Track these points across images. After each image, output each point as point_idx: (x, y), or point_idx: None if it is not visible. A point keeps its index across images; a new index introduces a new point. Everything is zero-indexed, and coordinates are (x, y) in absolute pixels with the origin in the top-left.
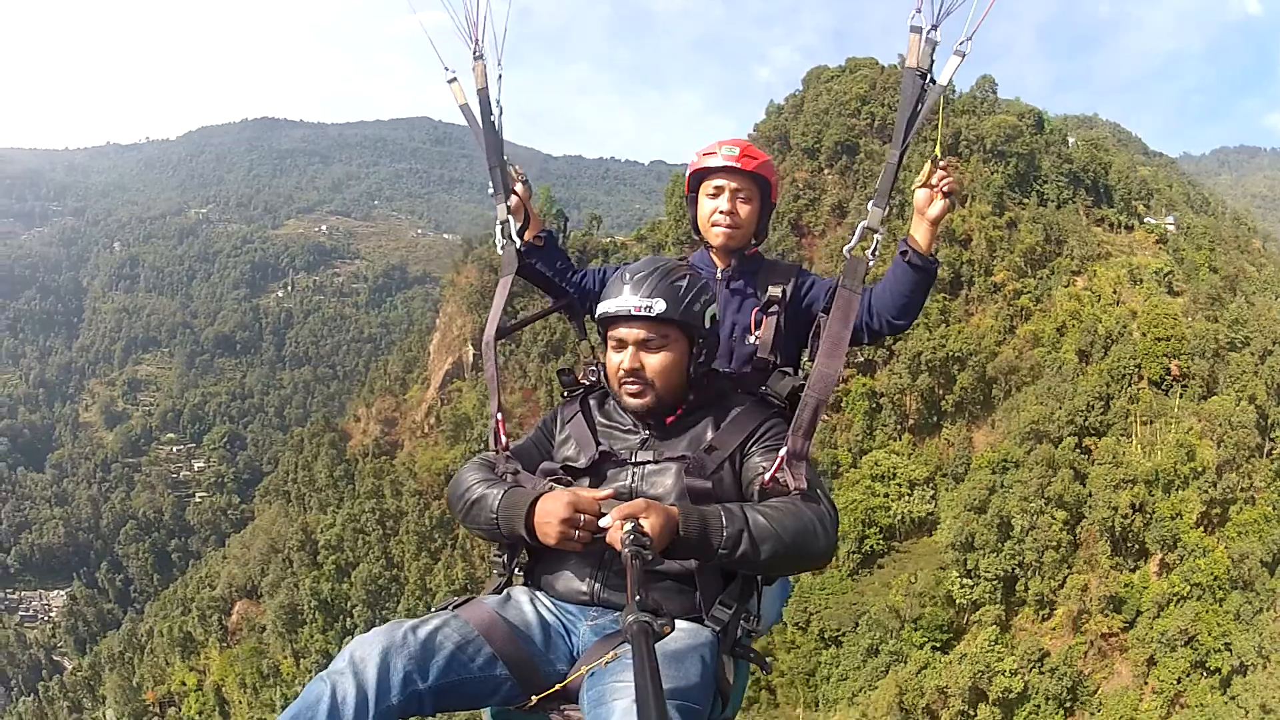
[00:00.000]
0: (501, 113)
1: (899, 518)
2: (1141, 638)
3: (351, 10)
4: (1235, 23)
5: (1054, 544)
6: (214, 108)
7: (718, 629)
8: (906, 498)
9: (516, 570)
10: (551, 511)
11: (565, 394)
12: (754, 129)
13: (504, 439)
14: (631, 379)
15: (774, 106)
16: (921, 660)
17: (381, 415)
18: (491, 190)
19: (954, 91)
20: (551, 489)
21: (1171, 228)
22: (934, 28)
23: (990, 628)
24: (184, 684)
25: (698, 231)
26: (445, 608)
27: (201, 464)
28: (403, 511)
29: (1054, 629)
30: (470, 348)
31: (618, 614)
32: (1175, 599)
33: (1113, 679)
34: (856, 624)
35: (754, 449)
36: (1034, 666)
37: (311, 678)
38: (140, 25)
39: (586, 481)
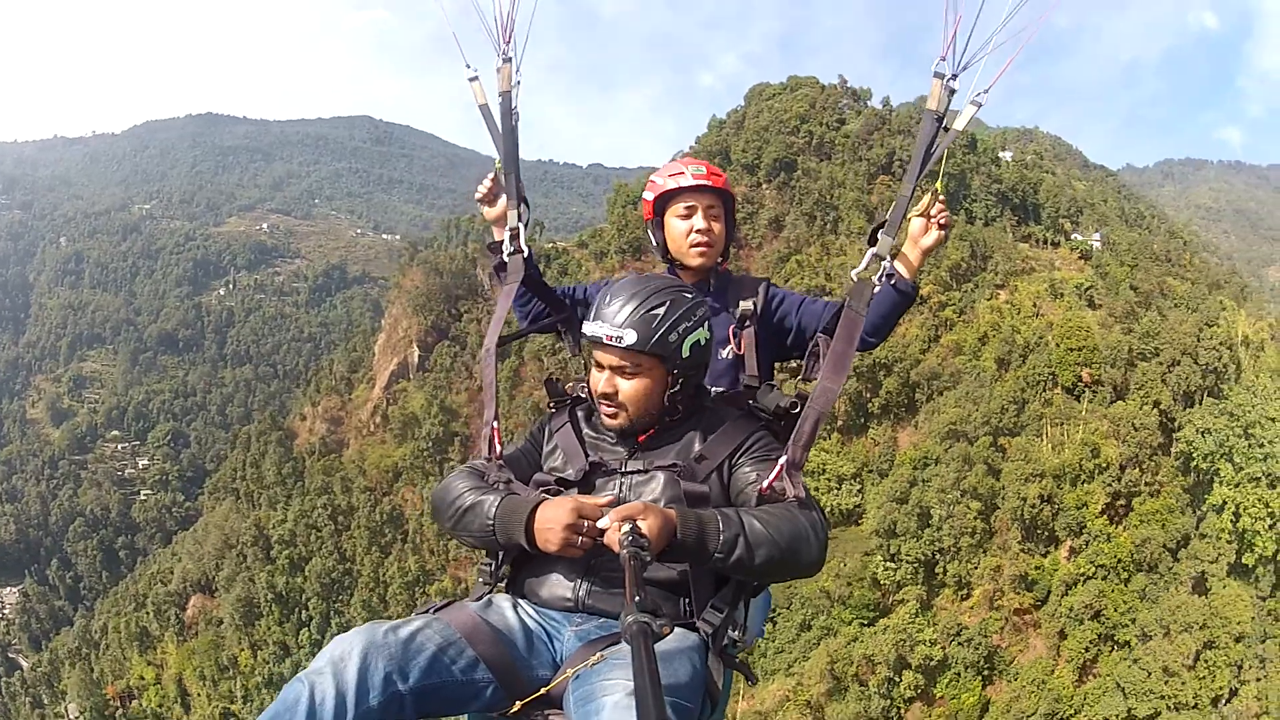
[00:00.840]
0: (519, 119)
1: (828, 509)
2: (1052, 613)
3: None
4: (1193, 34)
5: (969, 530)
6: (159, 102)
7: (708, 632)
8: (835, 491)
9: (501, 579)
10: (554, 518)
11: (552, 405)
12: (696, 142)
13: (499, 448)
14: (605, 402)
15: (715, 121)
16: (850, 634)
17: (328, 414)
18: (479, 195)
19: (890, 110)
20: (547, 498)
21: (1097, 244)
22: (954, 77)
23: (912, 604)
24: (142, 678)
25: (666, 255)
26: (426, 610)
27: (146, 461)
28: (353, 507)
29: (972, 607)
30: (416, 349)
31: (603, 620)
32: (1082, 579)
33: (1028, 651)
34: (790, 603)
35: (742, 460)
36: (953, 639)
37: (271, 669)
38: (88, 16)
39: (576, 492)
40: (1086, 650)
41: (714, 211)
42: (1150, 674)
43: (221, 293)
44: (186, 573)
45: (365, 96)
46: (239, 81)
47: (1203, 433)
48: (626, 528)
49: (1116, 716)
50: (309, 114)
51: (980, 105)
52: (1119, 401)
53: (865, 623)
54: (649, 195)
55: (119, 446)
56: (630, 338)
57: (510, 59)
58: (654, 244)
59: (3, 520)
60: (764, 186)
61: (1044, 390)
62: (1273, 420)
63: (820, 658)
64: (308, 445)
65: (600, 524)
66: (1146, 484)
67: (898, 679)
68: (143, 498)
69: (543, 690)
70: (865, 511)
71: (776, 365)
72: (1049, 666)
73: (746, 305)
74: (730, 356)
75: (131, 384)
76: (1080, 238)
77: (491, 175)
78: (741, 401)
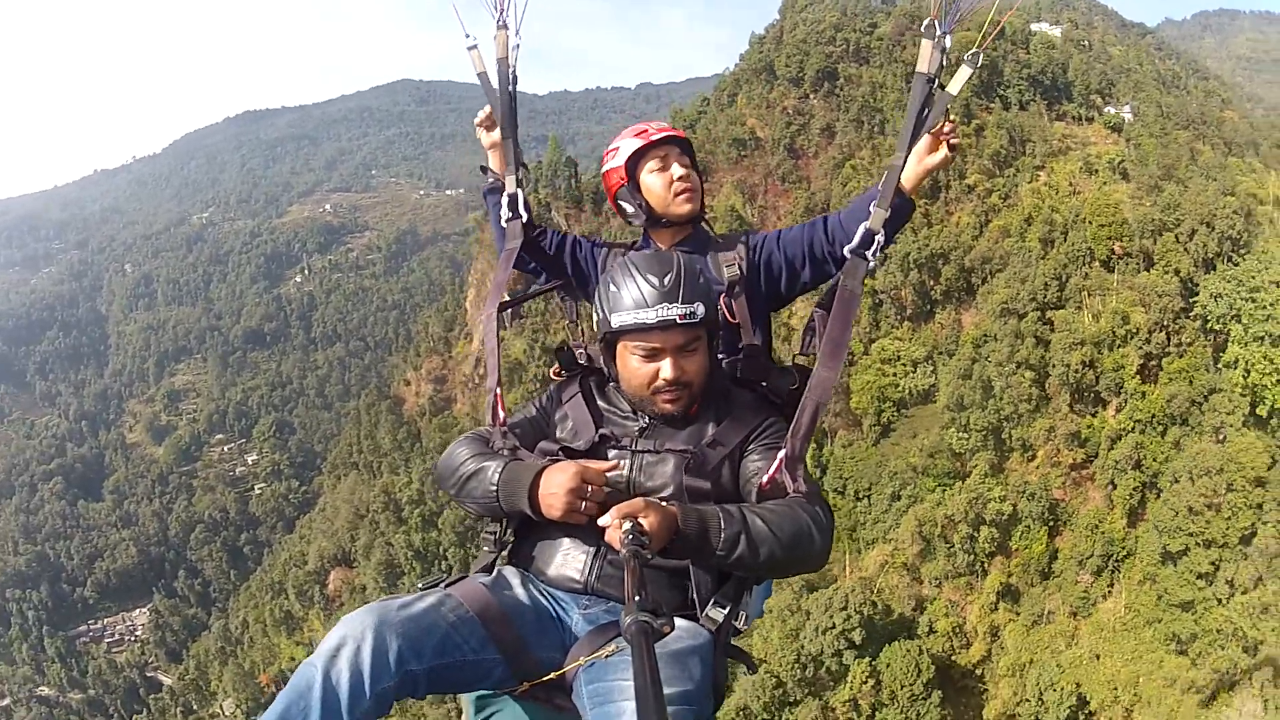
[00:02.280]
0: (517, 83)
1: (906, 392)
2: (1102, 466)
3: None
4: None
5: (1026, 398)
6: (193, 112)
7: (713, 629)
8: (911, 375)
9: (505, 549)
10: (558, 483)
11: (563, 373)
12: (739, 59)
13: (502, 414)
14: (676, 387)
15: (755, 38)
16: (934, 500)
17: (431, 375)
18: (478, 120)
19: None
20: (552, 464)
21: (1129, 116)
22: (946, 34)
23: (983, 467)
24: (293, 659)
25: (648, 217)
26: (436, 584)
27: (255, 456)
28: None
29: (1037, 467)
30: (507, 297)
31: (610, 605)
32: (1124, 433)
33: (1086, 502)
34: (879, 478)
35: (753, 447)
36: (1020, 495)
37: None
38: (105, 46)
39: None
40: (1131, 496)
41: (685, 160)
42: (1177, 513)
43: (298, 279)
44: (323, 550)
45: (400, 61)
46: (270, 73)
47: (1215, 297)
48: (628, 525)
49: (1155, 551)
50: (348, 89)
51: (976, 66)
52: (1144, 272)
53: (945, 487)
54: (616, 162)
55: (226, 448)
56: (701, 310)
57: (506, 25)
58: (630, 211)
59: (122, 545)
60: (811, 97)
61: (1083, 265)
62: (1277, 284)
63: (909, 523)
64: (417, 408)
65: (601, 521)
66: (1175, 345)
67: (976, 535)
68: (257, 492)
69: (552, 675)
70: (939, 389)
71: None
72: (1103, 514)
73: (732, 271)
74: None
75: (227, 386)
76: (1113, 110)
77: (487, 110)
78: (748, 373)
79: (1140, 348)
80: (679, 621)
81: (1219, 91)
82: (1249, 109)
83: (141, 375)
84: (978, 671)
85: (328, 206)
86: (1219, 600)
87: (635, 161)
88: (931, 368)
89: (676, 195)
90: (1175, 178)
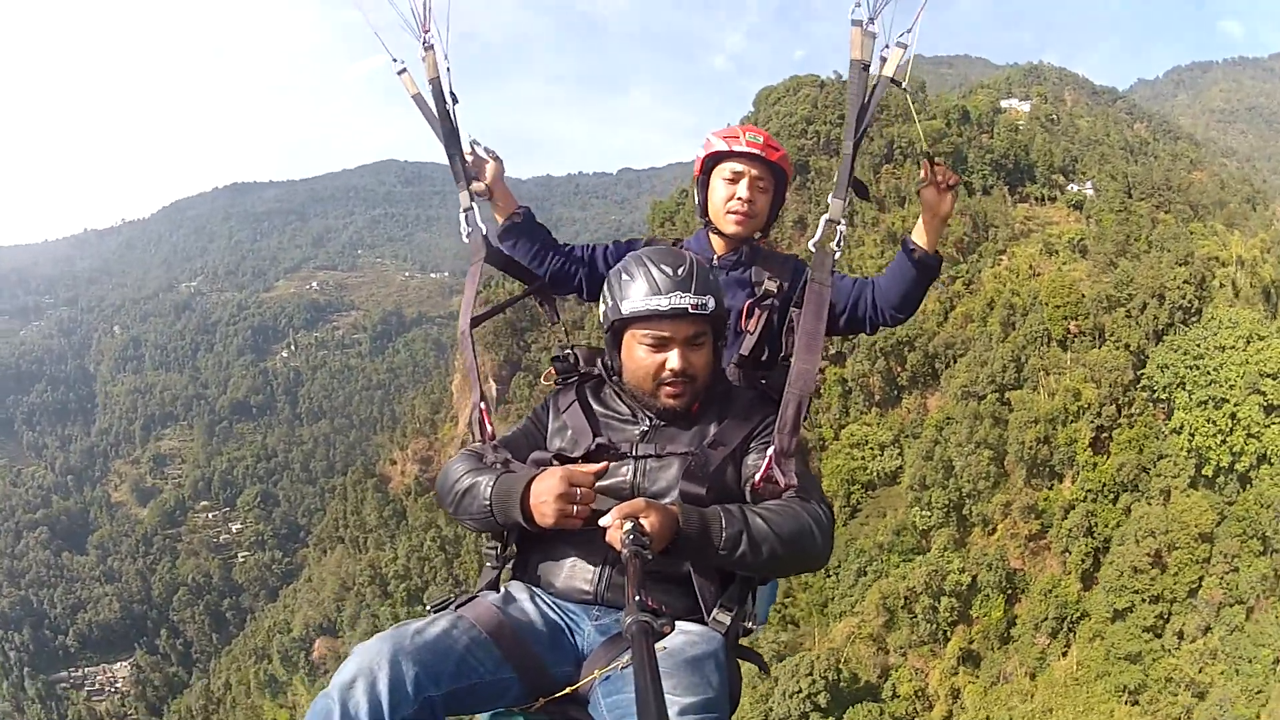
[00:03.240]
0: (456, 102)
1: (874, 474)
2: (1056, 535)
3: (305, 61)
4: None
5: (985, 475)
6: (183, 180)
7: (721, 631)
8: (878, 457)
9: (507, 564)
10: (546, 490)
11: (559, 381)
12: None
13: (489, 428)
14: (681, 379)
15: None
16: (899, 575)
17: (417, 455)
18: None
19: (916, 92)
20: (541, 472)
21: (1090, 192)
22: (872, 20)
23: (943, 542)
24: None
25: (704, 215)
26: (445, 605)
27: (239, 525)
28: (460, 536)
29: (997, 540)
30: (493, 384)
31: (622, 614)
32: (1076, 502)
33: (1043, 570)
34: (847, 554)
35: (754, 445)
36: (980, 566)
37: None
38: (98, 107)
39: None
40: (1084, 562)
41: (762, 184)
42: (1122, 573)
43: (285, 355)
44: (308, 619)
45: (386, 140)
46: (258, 147)
47: (1160, 367)
48: (629, 525)
49: (1104, 609)
50: (334, 167)
51: (906, 46)
52: (1096, 348)
53: (908, 562)
54: (701, 152)
55: (210, 515)
56: (711, 303)
57: (431, 46)
58: (695, 202)
59: (105, 600)
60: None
61: (1041, 345)
62: (1221, 349)
63: (874, 595)
64: (403, 487)
65: (602, 521)
66: (1125, 417)
67: (938, 605)
68: (240, 560)
69: (568, 690)
70: (904, 470)
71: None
72: (1058, 579)
73: (771, 285)
74: (744, 331)
75: (212, 454)
76: (1075, 188)
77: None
78: (748, 376)
79: (1092, 421)
80: (692, 626)
81: (1188, 153)
82: (1221, 165)
83: (128, 437)
84: None
85: (314, 284)
86: (1167, 650)
87: (714, 160)
88: (898, 450)
89: (729, 214)
90: (1130, 252)
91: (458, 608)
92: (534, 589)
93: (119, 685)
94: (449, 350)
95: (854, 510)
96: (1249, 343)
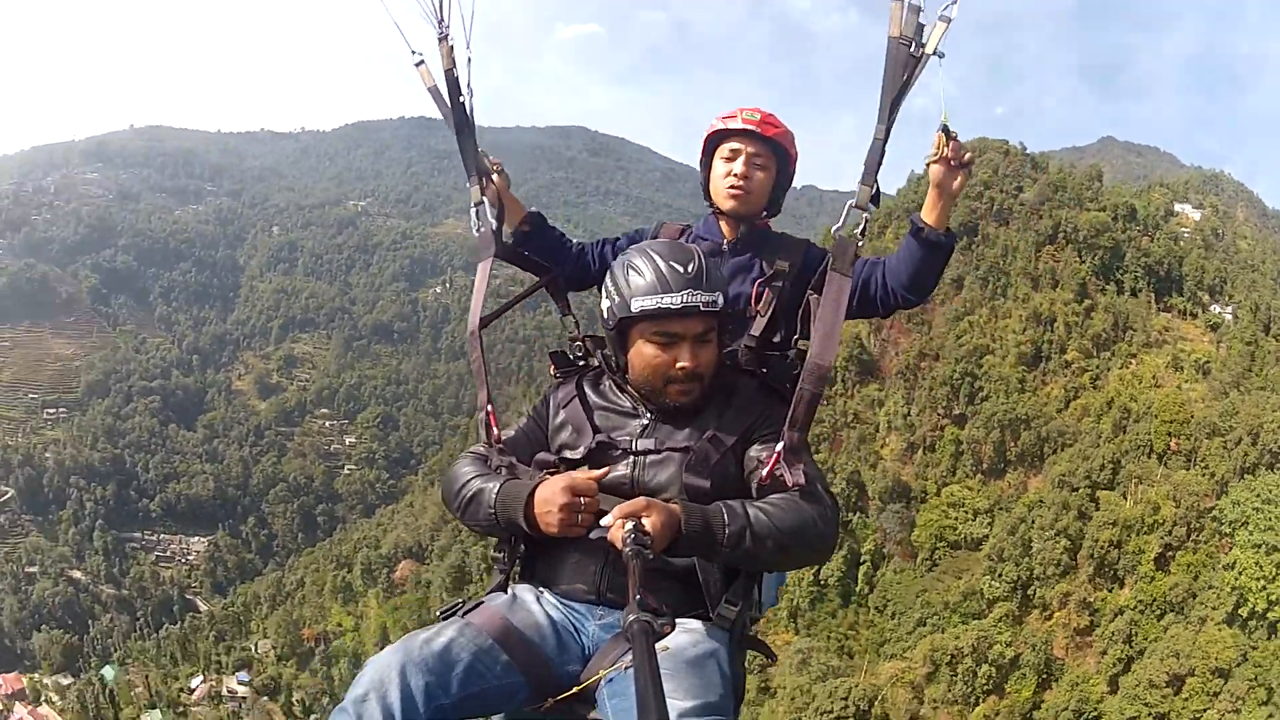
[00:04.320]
0: (472, 95)
1: (963, 536)
2: (1100, 635)
3: (521, 12)
4: None
5: (1056, 562)
6: (369, 104)
7: (726, 627)
8: (970, 521)
9: (515, 566)
10: (550, 499)
11: (558, 376)
12: (895, 194)
13: (495, 431)
14: (690, 378)
15: (914, 177)
16: (953, 634)
17: None
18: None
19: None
20: (545, 479)
21: (1229, 316)
22: None
23: (1001, 614)
24: (340, 625)
25: (708, 196)
26: (452, 612)
27: (353, 439)
28: None
29: (1050, 626)
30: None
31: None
32: (1125, 609)
33: (1083, 664)
34: (914, 605)
35: (755, 439)
36: (1027, 645)
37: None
38: (295, 17)
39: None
40: (1115, 666)
41: (759, 160)
42: (1140, 683)
43: (438, 290)
44: (399, 540)
45: (580, 108)
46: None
47: (1233, 503)
48: (630, 525)
49: (1117, 713)
50: (525, 122)
51: (949, 20)
52: (1185, 470)
53: (965, 625)
54: (706, 134)
55: (328, 424)
56: (720, 299)
57: (445, 36)
58: (701, 183)
59: (202, 478)
60: None
61: (1141, 455)
62: None
63: (924, 646)
64: None
65: (603, 521)
66: (1193, 540)
67: (977, 670)
68: (346, 472)
69: (575, 689)
70: (988, 540)
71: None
72: (1088, 676)
73: (782, 265)
74: (750, 313)
75: (344, 368)
76: (1217, 309)
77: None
78: (751, 364)
79: (1162, 538)
80: (694, 624)
81: None
82: None
83: (263, 332)
84: None
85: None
86: None
87: (715, 141)
88: (990, 519)
89: (727, 189)
90: (1244, 385)
91: (465, 614)
92: (539, 590)
93: (191, 558)
94: (595, 324)
95: (934, 564)
96: None
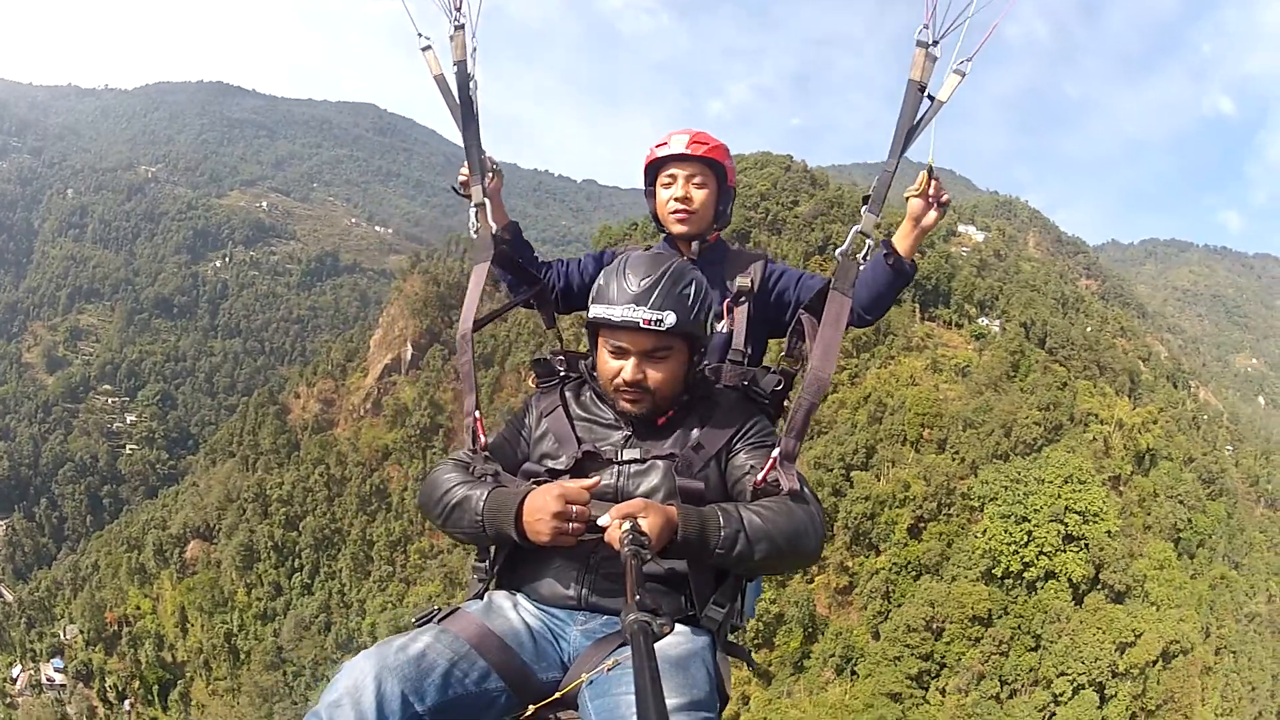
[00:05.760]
0: (477, 88)
1: None
2: (860, 592)
3: None
4: (1207, 119)
5: None
6: (172, 63)
7: (713, 629)
8: None
9: (494, 578)
10: (542, 507)
11: (539, 384)
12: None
13: (482, 438)
14: (632, 390)
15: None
16: None
17: (321, 395)
18: (459, 181)
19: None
20: (535, 488)
21: (996, 328)
22: (936, 44)
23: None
24: (138, 608)
25: (658, 222)
26: (428, 618)
27: (134, 418)
28: (346, 478)
29: (812, 589)
30: (410, 348)
31: (607, 618)
32: (881, 570)
33: (844, 620)
34: None
35: (739, 446)
36: (790, 604)
37: (266, 604)
38: None
39: (568, 479)
40: (874, 618)
41: (697, 180)
42: (898, 628)
43: (218, 264)
44: (187, 520)
45: (373, 84)
46: (252, 52)
47: (982, 482)
48: (627, 526)
49: (879, 654)
50: (316, 95)
51: (964, 74)
52: (937, 455)
53: None
54: (643, 166)
55: (110, 400)
56: (671, 319)
57: (462, 26)
58: (650, 212)
59: None
60: None
61: (895, 443)
62: (1041, 481)
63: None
64: (300, 421)
65: (600, 521)
66: (944, 514)
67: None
68: (128, 451)
69: (556, 695)
70: None
71: (772, 342)
72: (851, 628)
73: (744, 282)
74: (725, 330)
75: (126, 342)
76: (985, 321)
77: (464, 170)
78: (733, 378)
79: (914, 511)
80: (679, 626)
81: (1120, 319)
82: (1165, 339)
83: (52, 301)
84: None
85: (265, 204)
86: (926, 700)
87: (654, 169)
88: None
89: (671, 214)
90: (1001, 388)
91: (440, 621)
92: (517, 597)
93: None
94: (373, 304)
95: None
96: (1066, 482)
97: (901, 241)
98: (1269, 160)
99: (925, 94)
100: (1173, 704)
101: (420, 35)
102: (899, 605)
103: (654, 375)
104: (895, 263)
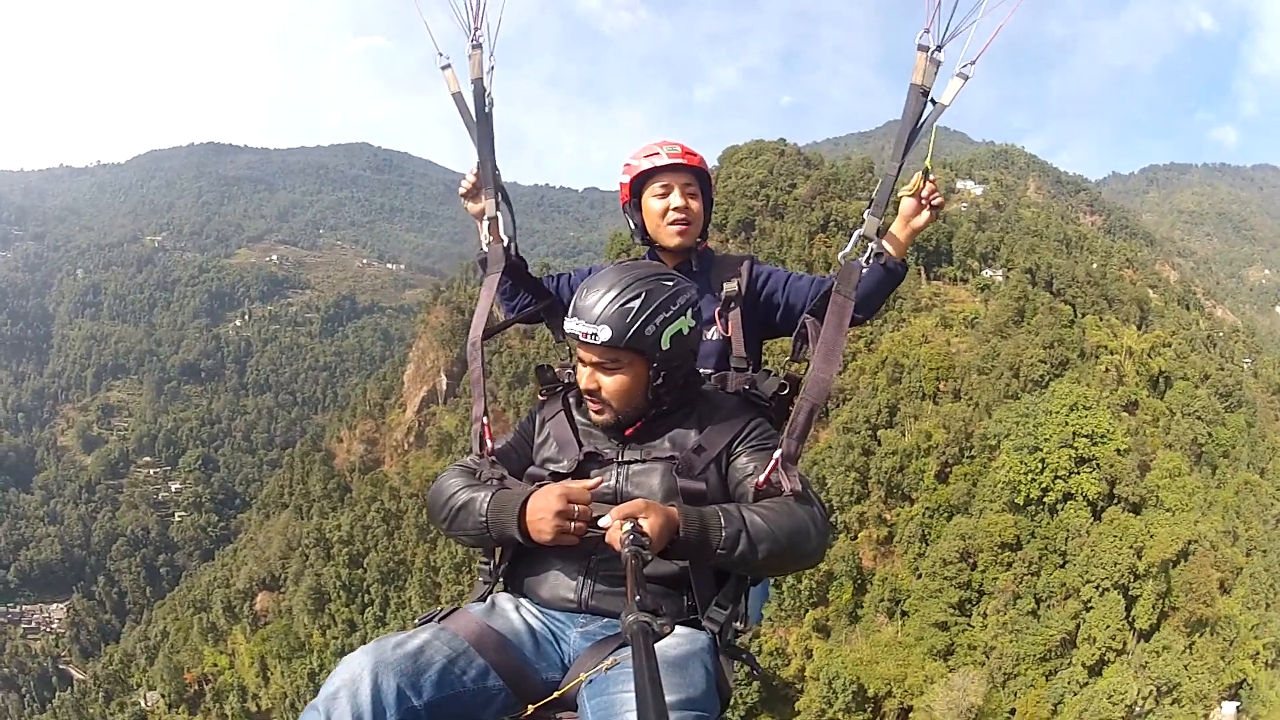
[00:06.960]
0: (493, 105)
1: None
2: (899, 539)
3: (302, 26)
4: (1188, 37)
5: (850, 491)
6: (161, 130)
7: (714, 631)
8: None
9: (500, 576)
10: (544, 507)
11: (543, 392)
12: None
13: (489, 444)
14: (590, 398)
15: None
16: None
17: (364, 436)
18: (462, 190)
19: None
20: (537, 489)
21: (1000, 279)
22: (939, 48)
23: None
24: (215, 665)
25: (644, 237)
26: (430, 619)
27: (178, 485)
28: (402, 511)
29: (855, 545)
30: (444, 378)
31: (607, 620)
32: (916, 517)
33: (891, 567)
34: None
35: (740, 449)
36: (837, 561)
37: (342, 642)
38: (86, 46)
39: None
40: (915, 560)
41: (691, 189)
42: (935, 564)
43: (238, 323)
44: (252, 574)
45: (362, 121)
46: (240, 109)
47: (995, 420)
48: (628, 526)
49: (921, 590)
50: (308, 141)
51: (967, 78)
52: (953, 404)
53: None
54: (625, 178)
55: (151, 471)
56: (605, 334)
57: (480, 45)
58: (632, 227)
59: (48, 541)
60: (729, 242)
61: (914, 399)
62: (1049, 412)
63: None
64: (347, 464)
65: (602, 522)
66: (966, 457)
67: (799, 585)
68: (178, 519)
69: (555, 695)
70: None
71: (764, 344)
72: (896, 573)
73: (730, 287)
74: (717, 338)
75: (159, 412)
76: (989, 273)
77: (474, 170)
78: (733, 383)
79: (939, 458)
80: (678, 628)
81: (1124, 250)
82: (1177, 263)
83: (79, 383)
84: (794, 684)
85: (274, 257)
86: (970, 625)
87: (641, 182)
88: None
89: (670, 225)
90: (1006, 333)
91: (441, 619)
92: (519, 599)
93: (54, 626)
94: (396, 341)
95: None
96: (1072, 410)
97: (893, 241)
98: (1255, 71)
99: (928, 98)
100: (1192, 593)
101: (440, 54)
102: (934, 544)
103: (607, 386)
104: (886, 262)
